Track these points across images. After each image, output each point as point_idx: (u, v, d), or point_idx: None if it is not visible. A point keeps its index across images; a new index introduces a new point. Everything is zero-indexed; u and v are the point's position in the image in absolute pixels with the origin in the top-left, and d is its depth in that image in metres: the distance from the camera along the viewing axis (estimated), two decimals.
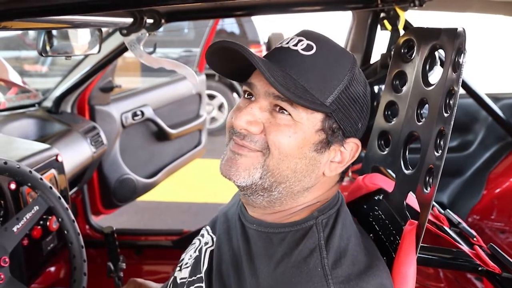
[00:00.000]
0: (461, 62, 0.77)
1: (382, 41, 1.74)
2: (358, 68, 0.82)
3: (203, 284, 0.89)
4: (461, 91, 2.07)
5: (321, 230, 0.78)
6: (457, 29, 0.80)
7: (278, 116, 0.77)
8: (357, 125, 0.82)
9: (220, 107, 6.26)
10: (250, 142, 0.78)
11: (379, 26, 1.68)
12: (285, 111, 0.77)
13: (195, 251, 0.97)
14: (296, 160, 0.78)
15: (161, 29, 1.44)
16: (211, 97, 6.15)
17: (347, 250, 0.76)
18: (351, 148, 0.83)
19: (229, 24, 6.25)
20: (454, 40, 0.80)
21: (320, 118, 0.78)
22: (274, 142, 0.77)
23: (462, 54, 0.77)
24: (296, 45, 0.79)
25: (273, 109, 0.78)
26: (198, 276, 0.91)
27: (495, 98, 2.27)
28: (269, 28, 6.50)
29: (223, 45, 0.76)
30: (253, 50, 0.83)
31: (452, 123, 0.76)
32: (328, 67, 0.78)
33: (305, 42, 0.79)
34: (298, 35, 0.82)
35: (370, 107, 0.86)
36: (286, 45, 0.80)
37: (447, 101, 0.80)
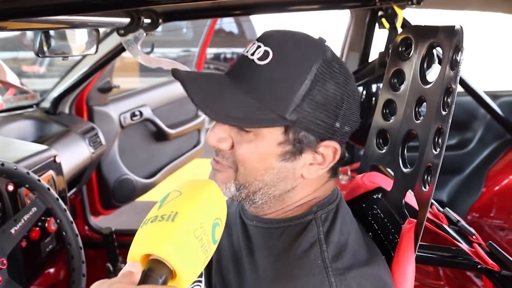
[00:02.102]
0: (458, 60, 0.77)
1: (380, 39, 1.74)
2: (327, 65, 0.74)
3: (202, 279, 0.90)
4: (460, 89, 2.07)
5: (320, 224, 0.78)
6: (454, 26, 0.80)
7: (242, 133, 0.76)
8: (332, 127, 0.76)
9: None
10: (222, 158, 0.79)
11: (377, 25, 1.69)
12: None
13: None
14: (262, 172, 0.77)
15: (159, 28, 1.44)
16: None
17: (347, 244, 0.76)
18: (330, 151, 0.78)
19: (228, 24, 6.25)
20: (451, 38, 0.80)
21: (281, 131, 0.75)
22: (239, 158, 0.77)
23: (460, 52, 0.77)
24: (253, 53, 0.75)
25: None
26: None
27: (494, 95, 2.27)
28: (267, 27, 6.49)
29: (175, 77, 0.76)
30: None
31: (450, 121, 0.76)
32: (285, 75, 0.73)
33: (262, 48, 0.75)
34: (258, 39, 0.78)
35: (355, 102, 0.78)
36: (246, 54, 0.77)
37: (445, 99, 0.79)
